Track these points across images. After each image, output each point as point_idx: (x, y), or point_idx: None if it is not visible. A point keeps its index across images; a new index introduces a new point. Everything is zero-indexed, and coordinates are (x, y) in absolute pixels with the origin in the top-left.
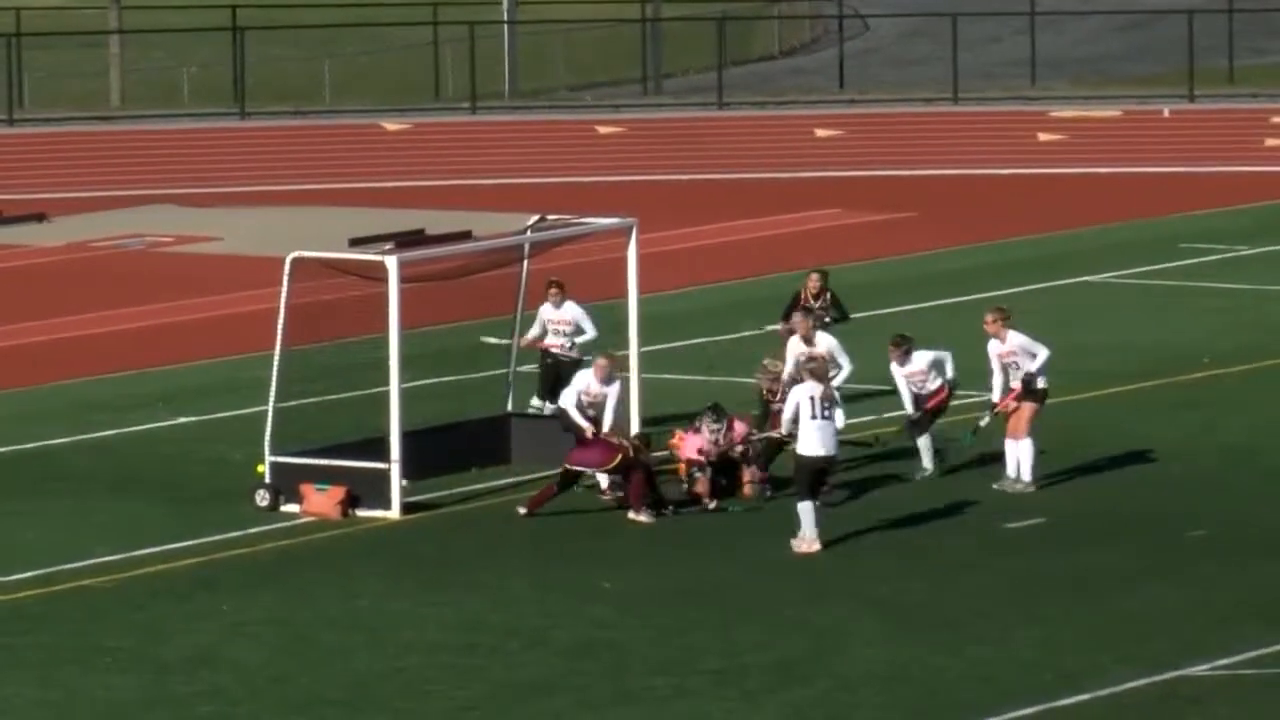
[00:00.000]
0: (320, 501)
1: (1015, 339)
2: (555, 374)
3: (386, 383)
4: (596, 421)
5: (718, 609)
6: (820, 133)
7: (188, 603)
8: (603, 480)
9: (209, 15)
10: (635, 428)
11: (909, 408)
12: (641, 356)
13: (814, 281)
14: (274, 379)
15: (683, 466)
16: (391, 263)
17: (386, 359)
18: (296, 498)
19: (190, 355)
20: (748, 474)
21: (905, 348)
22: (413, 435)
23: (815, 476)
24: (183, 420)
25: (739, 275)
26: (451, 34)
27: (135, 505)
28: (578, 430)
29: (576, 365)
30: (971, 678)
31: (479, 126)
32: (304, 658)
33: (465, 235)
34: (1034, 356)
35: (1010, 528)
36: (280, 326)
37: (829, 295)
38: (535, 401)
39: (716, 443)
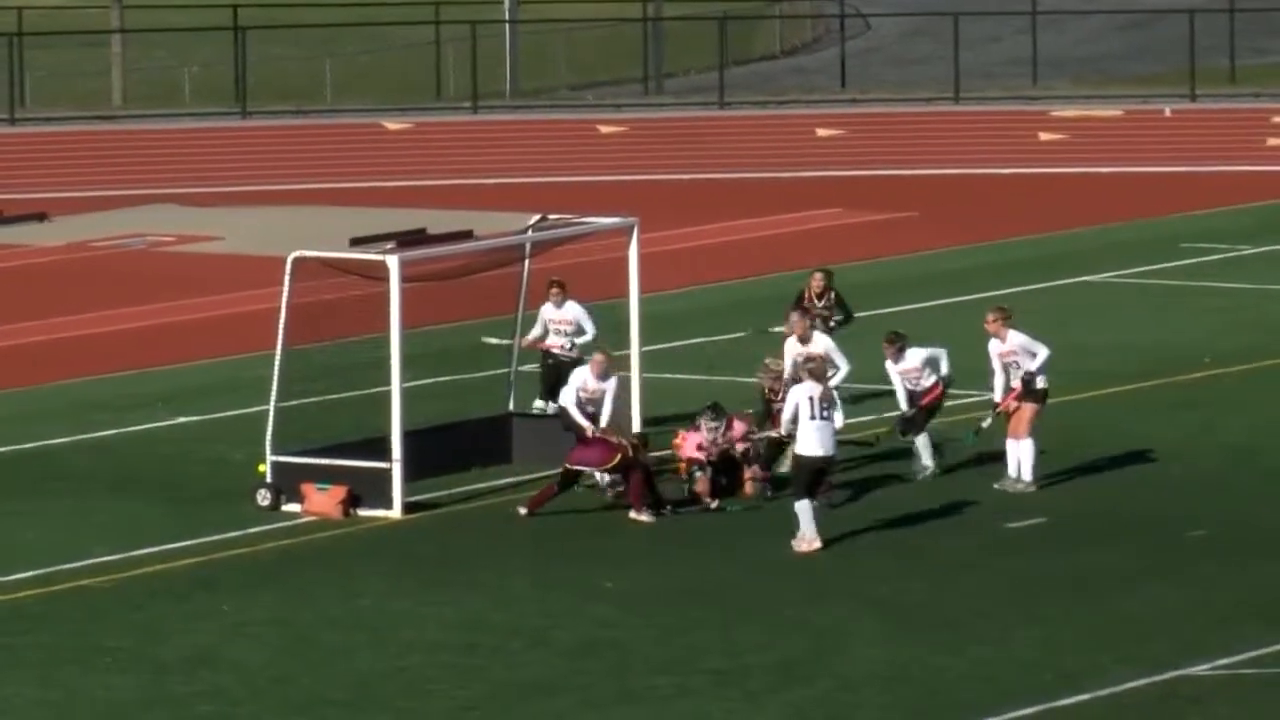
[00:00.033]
0: (321, 501)
1: (1015, 338)
2: (556, 375)
3: (388, 382)
4: (595, 418)
5: (719, 609)
6: (821, 132)
7: (187, 603)
8: (601, 479)
9: (210, 15)
10: (636, 427)
11: (903, 405)
12: (642, 356)
13: (817, 281)
14: (275, 378)
15: (683, 465)
16: (393, 262)
17: (388, 358)
18: (298, 497)
19: (191, 355)
20: (749, 473)
21: (899, 344)
22: (414, 435)
23: (813, 476)
24: (183, 420)
25: (740, 275)
26: (453, 33)
27: (135, 505)
28: (578, 429)
29: (577, 365)
30: (972, 678)
31: (480, 126)
32: (305, 658)
33: (466, 235)
34: (1034, 356)
35: (1011, 528)
36: (281, 326)
37: (833, 295)
38: (538, 403)
39: (715, 441)
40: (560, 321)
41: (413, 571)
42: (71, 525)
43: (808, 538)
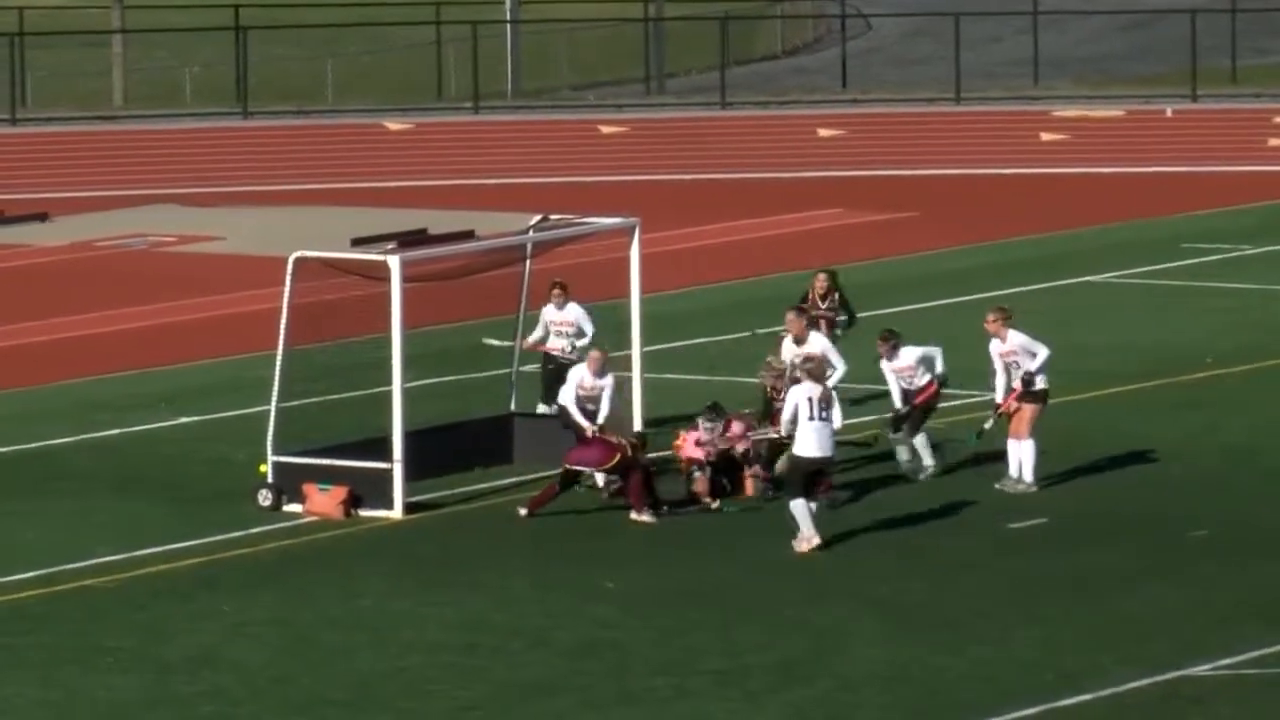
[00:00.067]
0: (323, 501)
1: (1016, 338)
2: (557, 378)
3: (389, 382)
4: (594, 415)
5: (719, 609)
6: (823, 132)
7: (190, 603)
8: (599, 478)
9: (211, 15)
10: (637, 427)
11: (897, 403)
12: (644, 356)
13: (821, 282)
14: (276, 379)
15: (683, 465)
16: (394, 262)
17: (389, 359)
18: (299, 497)
19: (193, 355)
20: (749, 473)
21: (893, 342)
22: (415, 435)
23: (808, 477)
24: (185, 420)
25: (741, 275)
26: (454, 33)
27: (137, 505)
28: (577, 429)
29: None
30: (972, 678)
31: (482, 126)
32: (306, 658)
33: (468, 235)
34: (1034, 356)
35: (1011, 528)
36: (283, 326)
37: (837, 296)
38: (541, 407)
39: (713, 441)
40: (562, 323)
41: (413, 572)
42: (73, 525)
43: (806, 536)
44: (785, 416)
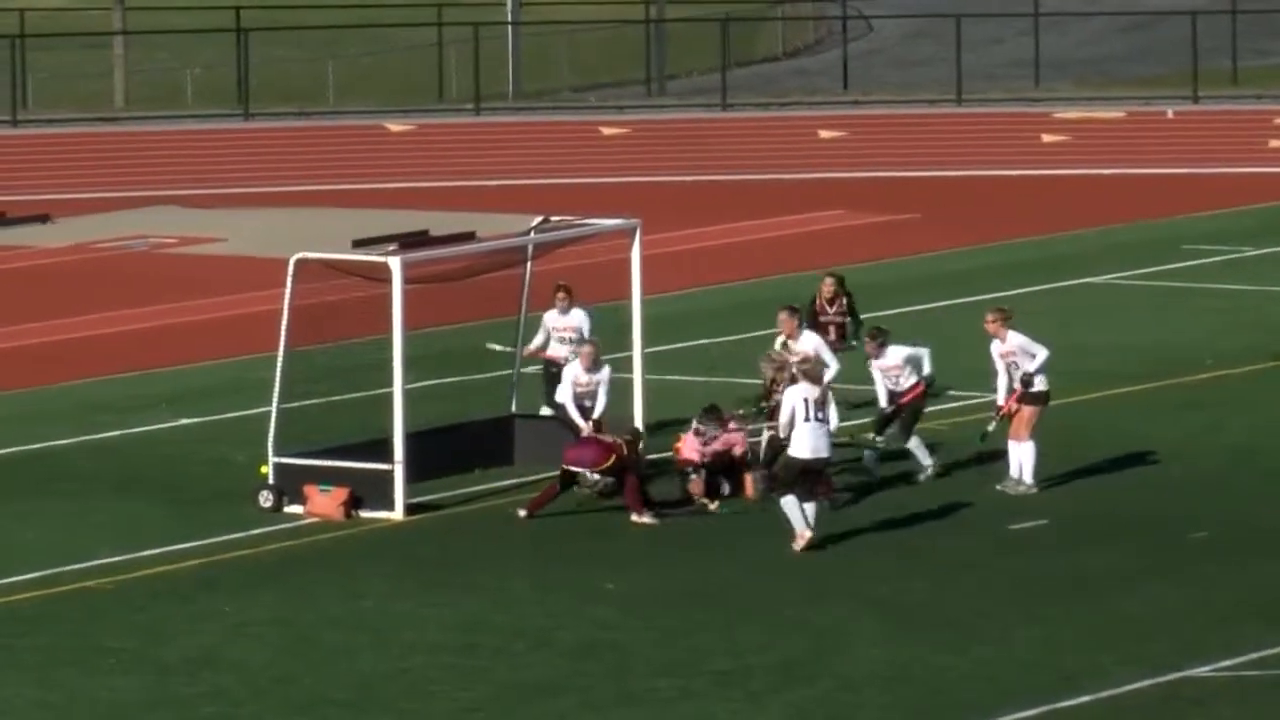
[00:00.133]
0: (323, 502)
1: (1015, 339)
2: (559, 380)
3: (390, 384)
4: (591, 411)
5: (720, 610)
6: (824, 134)
7: (190, 604)
8: (592, 477)
9: (213, 16)
10: (638, 423)
11: (882, 402)
12: (645, 358)
13: (828, 286)
14: (277, 380)
15: (679, 466)
16: (395, 264)
17: (390, 360)
18: (300, 499)
19: (194, 356)
20: (750, 475)
21: (880, 340)
22: (416, 436)
23: (799, 476)
24: (186, 421)
25: (743, 276)
26: (455, 35)
27: (138, 506)
28: (574, 428)
29: None
30: (973, 678)
31: (483, 128)
32: (307, 658)
33: (469, 236)
34: (1033, 357)
35: (1012, 528)
36: (284, 327)
37: (844, 301)
38: (545, 411)
39: (706, 443)
40: (564, 329)
41: (414, 573)
42: (74, 526)
43: (799, 531)
44: (783, 419)
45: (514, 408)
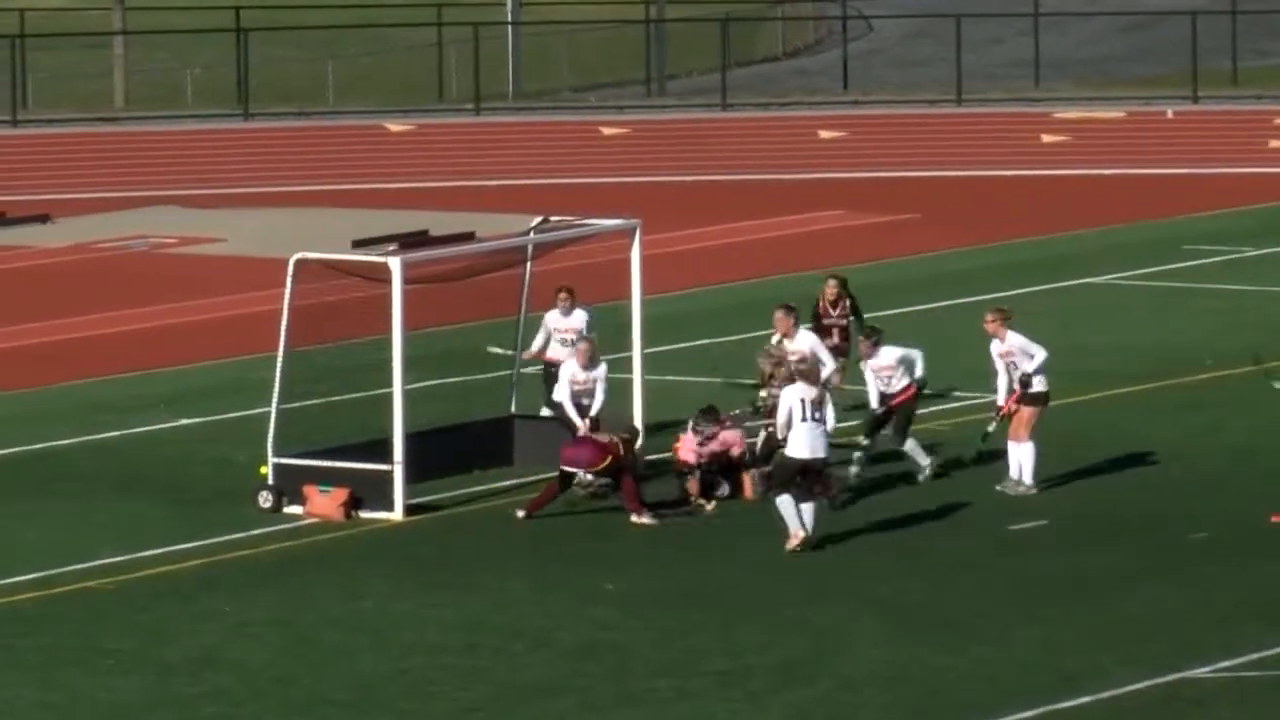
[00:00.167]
0: (323, 503)
1: (1014, 339)
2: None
3: (390, 384)
4: (589, 409)
5: (720, 610)
6: (824, 134)
7: (191, 604)
8: (586, 477)
9: (212, 16)
10: (638, 422)
11: (873, 403)
12: (645, 358)
13: (831, 288)
14: (277, 380)
15: (677, 467)
16: (395, 264)
17: (390, 360)
18: (299, 499)
19: (194, 357)
20: (748, 476)
21: (874, 339)
22: (416, 437)
23: (794, 475)
24: (186, 421)
25: (743, 277)
26: (455, 35)
27: (138, 506)
28: (571, 427)
29: None
30: (973, 678)
31: (483, 128)
32: (307, 659)
33: (469, 237)
34: (1031, 358)
35: (1011, 529)
36: (284, 328)
37: (848, 302)
38: (544, 412)
39: (703, 443)
40: (566, 330)
41: (414, 573)
42: (75, 526)
43: (791, 530)
44: (780, 420)
45: (513, 408)
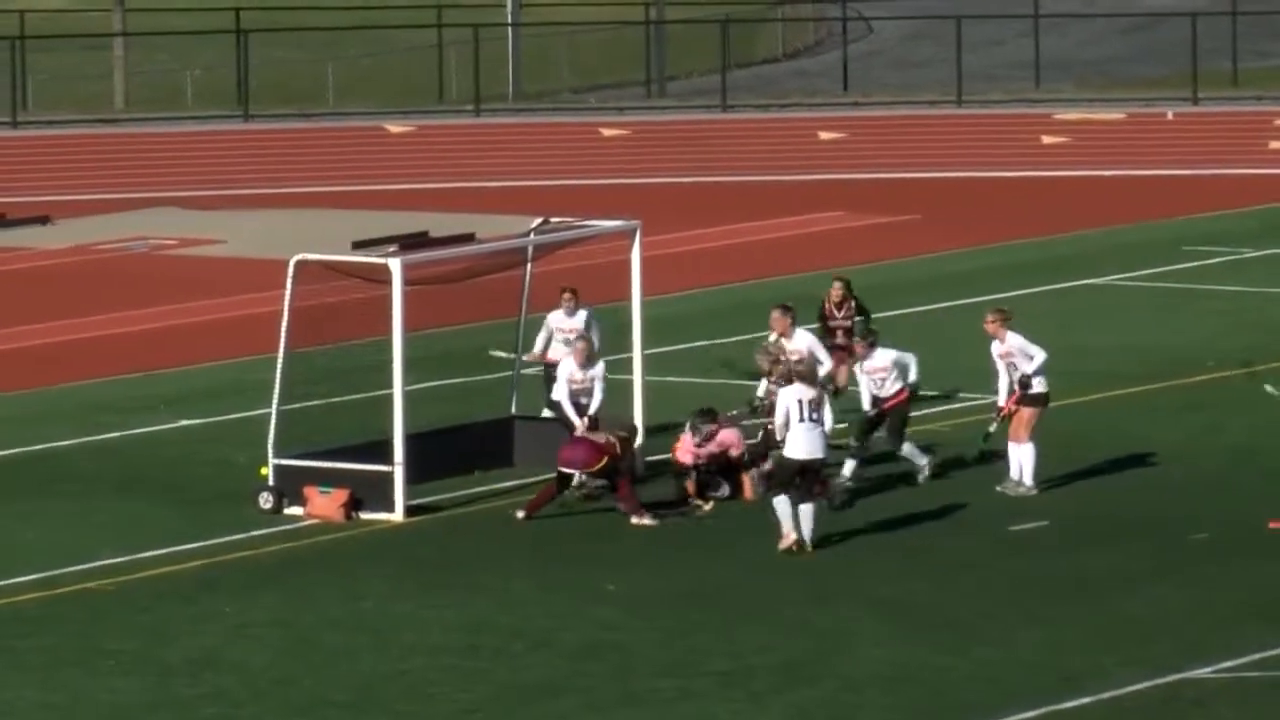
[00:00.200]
0: (324, 504)
1: (1013, 340)
2: None
3: (390, 385)
4: (587, 408)
5: (721, 610)
6: (824, 135)
7: (192, 605)
8: (580, 477)
9: (213, 18)
10: (637, 421)
11: (865, 406)
12: (645, 359)
13: (836, 290)
14: (277, 382)
15: (676, 468)
16: (395, 265)
17: (390, 361)
18: (300, 500)
19: (194, 358)
20: (748, 477)
21: (870, 340)
22: (416, 438)
23: (792, 476)
24: (186, 422)
25: (743, 278)
26: (455, 36)
27: (139, 507)
28: (569, 426)
29: None
30: (975, 679)
31: (483, 129)
32: (308, 660)
33: (469, 238)
34: (1031, 358)
35: (1012, 529)
36: (284, 329)
37: (853, 304)
38: (545, 413)
39: (700, 443)
40: (569, 330)
41: (414, 574)
42: (75, 527)
43: (784, 530)
44: (778, 420)
45: (514, 409)
